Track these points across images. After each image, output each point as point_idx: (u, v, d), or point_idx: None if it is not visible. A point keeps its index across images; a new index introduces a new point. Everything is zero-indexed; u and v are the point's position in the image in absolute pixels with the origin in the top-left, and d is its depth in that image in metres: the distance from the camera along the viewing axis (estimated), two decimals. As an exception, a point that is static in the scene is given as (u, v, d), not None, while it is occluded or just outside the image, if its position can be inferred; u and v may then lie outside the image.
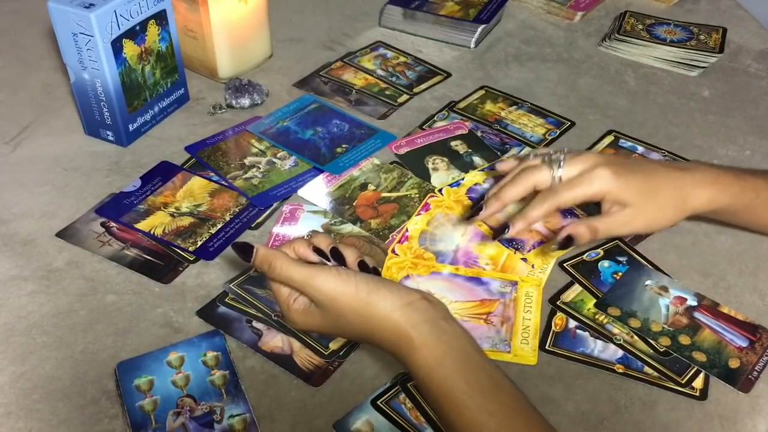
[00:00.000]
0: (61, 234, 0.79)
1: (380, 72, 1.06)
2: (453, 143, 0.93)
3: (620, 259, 0.77)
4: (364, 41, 1.13)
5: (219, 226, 0.80)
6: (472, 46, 1.12)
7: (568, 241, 0.68)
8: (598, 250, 0.78)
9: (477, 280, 0.75)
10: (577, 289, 0.74)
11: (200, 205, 0.83)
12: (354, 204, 0.84)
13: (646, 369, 0.67)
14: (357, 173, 0.88)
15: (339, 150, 0.91)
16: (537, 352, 0.68)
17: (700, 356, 0.68)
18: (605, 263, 0.77)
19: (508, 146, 0.92)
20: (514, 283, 0.74)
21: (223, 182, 0.86)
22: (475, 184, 0.86)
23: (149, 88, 0.91)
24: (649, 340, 0.69)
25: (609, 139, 0.94)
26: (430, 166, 0.89)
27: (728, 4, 1.25)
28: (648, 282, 0.75)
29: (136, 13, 0.85)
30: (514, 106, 1.00)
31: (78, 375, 0.66)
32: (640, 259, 0.77)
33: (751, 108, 1.01)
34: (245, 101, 0.98)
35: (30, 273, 0.75)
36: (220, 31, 0.97)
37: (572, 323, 0.71)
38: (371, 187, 0.86)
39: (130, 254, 0.77)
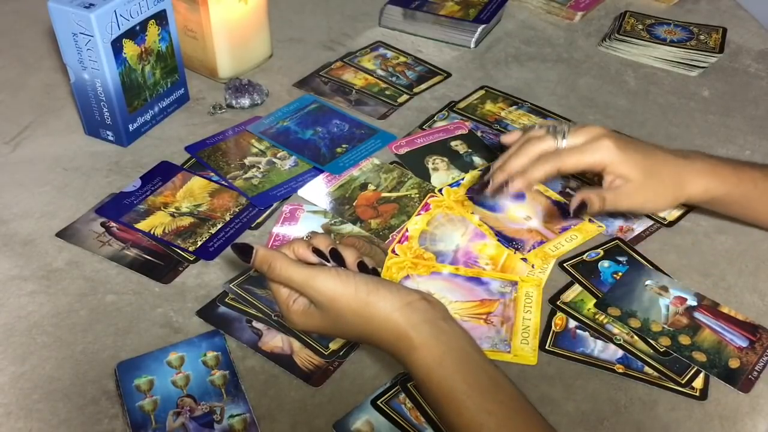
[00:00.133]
0: (61, 234, 0.79)
1: (380, 72, 1.06)
2: (453, 143, 0.93)
3: (620, 259, 0.77)
4: (364, 41, 1.13)
5: (219, 226, 0.80)
6: (472, 46, 1.12)
7: (581, 208, 0.69)
8: (598, 250, 0.78)
9: (477, 280, 0.75)
10: (577, 289, 0.74)
11: (200, 205, 0.83)
12: (354, 204, 0.84)
13: (646, 369, 0.67)
14: (357, 173, 0.88)
15: (339, 150, 0.91)
16: (537, 352, 0.68)
17: (700, 356, 0.68)
18: (605, 263, 0.77)
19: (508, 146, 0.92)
20: (514, 283, 0.74)
21: (223, 182, 0.86)
22: (475, 184, 0.86)
23: (149, 88, 0.91)
24: (649, 340, 0.69)
25: (609, 139, 0.94)
26: (430, 166, 0.89)
27: (728, 4, 1.25)
28: (648, 282, 0.75)
29: (136, 13, 0.85)
30: (514, 106, 1.00)
31: (78, 375, 0.66)
32: (640, 259, 0.77)
33: (751, 108, 1.01)
34: (245, 101, 0.98)
35: (30, 273, 0.75)
36: (220, 31, 0.97)
37: (572, 323, 0.71)
38: (371, 187, 0.86)
39: (130, 254, 0.77)
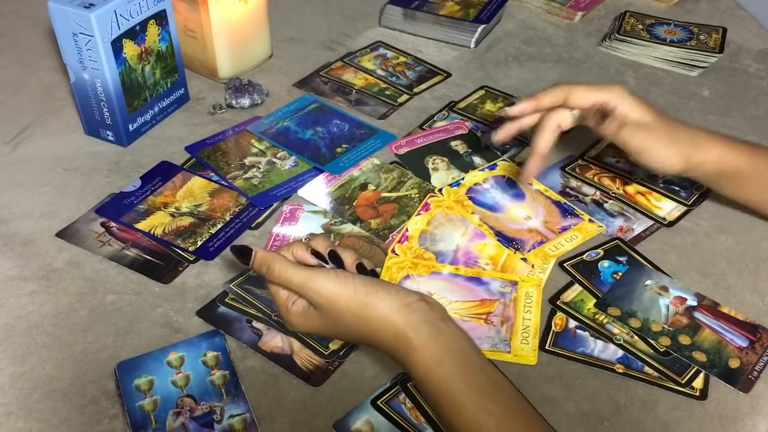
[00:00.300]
0: (61, 234, 0.79)
1: (380, 72, 1.06)
2: (453, 143, 0.93)
3: (620, 259, 0.77)
4: (364, 41, 1.13)
5: (219, 226, 0.80)
6: (472, 46, 1.12)
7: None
8: (598, 250, 0.78)
9: (477, 280, 0.75)
10: (577, 289, 0.74)
11: (200, 205, 0.83)
12: (354, 204, 0.84)
13: (646, 369, 0.67)
14: (357, 173, 0.88)
15: (339, 150, 0.91)
16: (537, 352, 0.68)
17: (700, 356, 0.68)
18: (605, 263, 0.77)
19: (508, 146, 0.92)
20: (514, 283, 0.74)
21: (223, 182, 0.86)
22: (475, 184, 0.86)
23: (149, 88, 0.91)
24: (649, 340, 0.69)
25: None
26: (430, 166, 0.89)
27: (728, 4, 1.25)
28: (648, 282, 0.75)
29: (136, 13, 0.85)
30: (514, 106, 1.00)
31: (78, 375, 0.66)
32: (640, 259, 0.77)
33: (751, 108, 1.01)
34: (245, 101, 0.98)
35: (30, 273, 0.75)
36: (220, 31, 0.97)
37: (572, 323, 0.71)
38: (371, 187, 0.86)
39: (130, 254, 0.77)
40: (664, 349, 0.68)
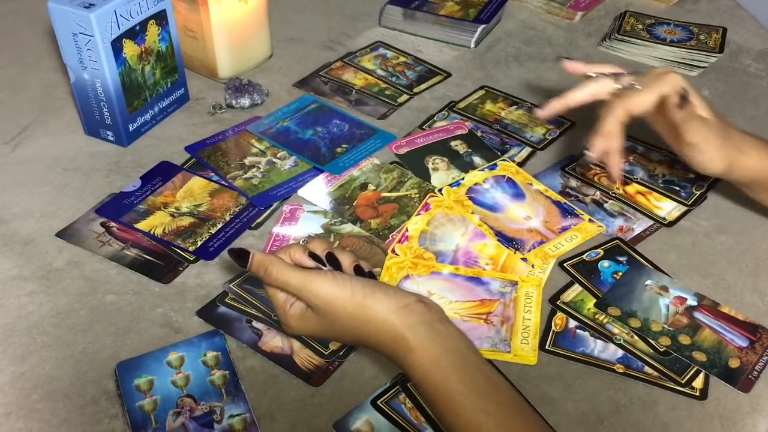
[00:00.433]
0: (61, 234, 0.79)
1: (380, 72, 1.06)
2: (453, 143, 0.93)
3: (620, 259, 0.77)
4: (364, 41, 1.13)
5: (219, 226, 0.80)
6: (472, 46, 1.12)
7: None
8: (598, 250, 0.78)
9: (477, 280, 0.75)
10: (577, 289, 0.74)
11: (200, 205, 0.83)
12: (354, 204, 0.84)
13: (646, 369, 0.67)
14: (357, 173, 0.88)
15: (339, 150, 0.91)
16: (537, 352, 0.68)
17: (700, 356, 0.68)
18: (605, 263, 0.77)
19: (508, 146, 0.92)
20: (514, 283, 0.74)
21: (223, 182, 0.86)
22: (475, 184, 0.86)
23: (149, 88, 0.91)
24: (649, 340, 0.69)
25: (609, 139, 0.94)
26: (430, 166, 0.89)
27: (728, 4, 1.25)
28: (648, 282, 0.75)
29: (136, 13, 0.85)
30: (514, 106, 1.00)
31: (78, 375, 0.66)
32: (640, 259, 0.77)
33: (751, 108, 1.01)
34: (245, 101, 0.98)
35: (30, 273, 0.75)
36: (220, 31, 0.97)
37: (572, 323, 0.71)
38: (371, 187, 0.86)
39: (130, 254, 0.77)
40: (664, 349, 0.68)
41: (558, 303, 0.73)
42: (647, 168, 0.89)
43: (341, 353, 0.67)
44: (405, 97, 1.01)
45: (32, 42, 1.11)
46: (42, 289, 0.73)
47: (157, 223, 0.80)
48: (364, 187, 0.86)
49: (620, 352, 0.69)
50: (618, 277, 0.75)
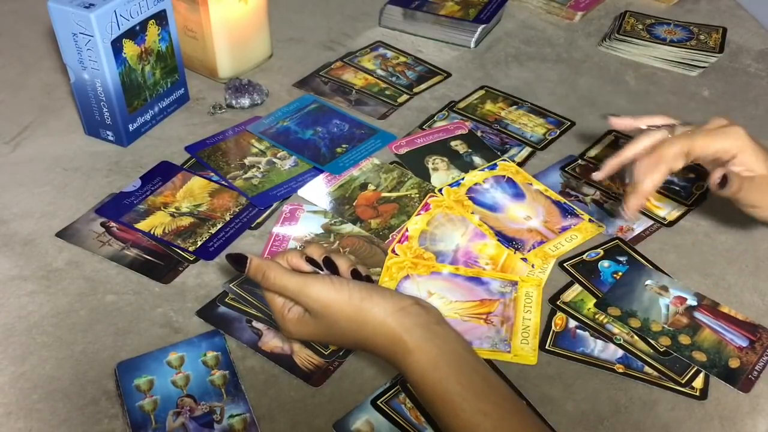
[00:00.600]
0: (61, 234, 0.79)
1: (380, 72, 1.06)
2: (453, 143, 0.93)
3: (620, 259, 0.77)
4: (364, 41, 1.13)
5: (219, 226, 0.80)
6: (472, 46, 1.12)
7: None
8: (598, 250, 0.78)
9: (477, 280, 0.75)
10: (577, 289, 0.74)
11: (200, 205, 0.83)
12: (354, 204, 0.84)
13: (646, 369, 0.67)
14: (357, 173, 0.88)
15: (339, 150, 0.91)
16: (537, 352, 0.68)
17: (700, 356, 0.68)
18: (605, 263, 0.77)
19: (508, 146, 0.92)
20: (514, 283, 0.74)
21: (223, 182, 0.86)
22: (475, 184, 0.86)
23: (149, 88, 0.91)
24: (649, 340, 0.69)
25: (609, 139, 0.94)
26: (430, 166, 0.89)
27: (728, 4, 1.25)
28: (648, 282, 0.75)
29: (136, 13, 0.85)
30: (514, 106, 1.00)
31: (78, 375, 0.66)
32: (640, 259, 0.77)
33: (751, 108, 1.01)
34: (245, 101, 0.98)
35: (30, 273, 0.75)
36: (220, 31, 0.97)
37: (572, 323, 0.71)
38: (371, 187, 0.86)
39: (130, 254, 0.77)
40: (664, 349, 0.68)
41: (558, 303, 0.73)
42: (647, 168, 0.89)
43: (341, 353, 0.67)
44: (405, 97, 1.01)
45: (32, 42, 1.11)
46: (42, 289, 0.73)
47: (157, 223, 0.80)
48: (364, 187, 0.86)
49: (620, 352, 0.69)
50: (618, 277, 0.75)
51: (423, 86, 1.04)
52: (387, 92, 1.02)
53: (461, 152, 0.91)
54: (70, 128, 0.94)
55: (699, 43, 1.10)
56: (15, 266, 0.75)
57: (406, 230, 0.80)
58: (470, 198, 0.84)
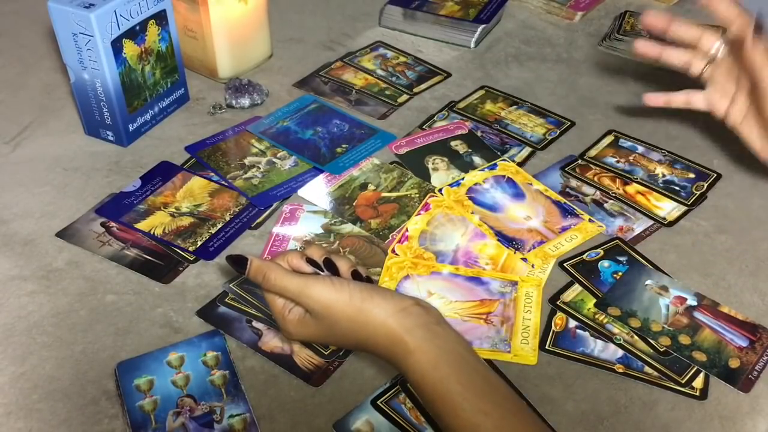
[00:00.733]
0: (61, 234, 0.79)
1: (380, 72, 1.06)
2: (453, 143, 0.93)
3: (620, 259, 0.77)
4: (364, 41, 1.13)
5: (219, 226, 0.80)
6: (472, 46, 1.12)
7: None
8: (598, 250, 0.78)
9: (477, 280, 0.75)
10: (577, 289, 0.74)
11: (200, 205, 0.83)
12: (354, 204, 0.84)
13: (646, 369, 0.67)
14: (357, 173, 0.88)
15: (339, 150, 0.91)
16: (537, 352, 0.68)
17: (700, 356, 0.68)
18: (605, 263, 0.77)
19: (508, 146, 0.92)
20: (514, 283, 0.74)
21: (223, 182, 0.86)
22: (475, 184, 0.86)
23: (149, 88, 0.91)
24: (649, 340, 0.69)
25: (609, 138, 0.94)
26: (430, 166, 0.89)
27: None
28: (648, 282, 0.75)
29: (136, 13, 0.85)
30: (514, 106, 1.00)
31: (78, 375, 0.66)
32: (640, 258, 0.77)
33: (751, 108, 1.01)
34: (245, 101, 0.98)
35: (30, 273, 0.75)
36: (220, 31, 0.97)
37: (572, 323, 0.71)
38: (371, 187, 0.86)
39: (130, 254, 0.77)
40: (664, 349, 0.68)
41: (558, 303, 0.73)
42: (647, 168, 0.89)
43: (341, 353, 0.67)
44: (405, 97, 1.01)
45: (32, 42, 1.11)
46: (42, 289, 0.73)
47: (157, 223, 0.80)
48: (364, 187, 0.86)
49: (620, 352, 0.69)
50: (618, 277, 0.75)
51: (423, 86, 1.03)
52: (387, 92, 1.02)
53: (461, 152, 0.91)
54: (70, 128, 0.94)
55: (699, 43, 1.09)
56: (15, 266, 0.75)
57: (406, 230, 0.80)
58: (470, 198, 0.84)
